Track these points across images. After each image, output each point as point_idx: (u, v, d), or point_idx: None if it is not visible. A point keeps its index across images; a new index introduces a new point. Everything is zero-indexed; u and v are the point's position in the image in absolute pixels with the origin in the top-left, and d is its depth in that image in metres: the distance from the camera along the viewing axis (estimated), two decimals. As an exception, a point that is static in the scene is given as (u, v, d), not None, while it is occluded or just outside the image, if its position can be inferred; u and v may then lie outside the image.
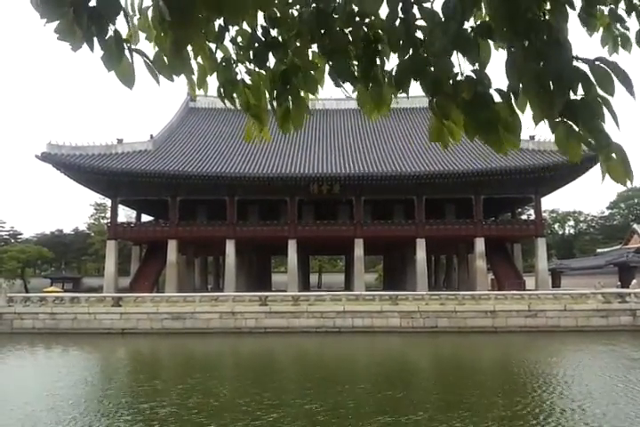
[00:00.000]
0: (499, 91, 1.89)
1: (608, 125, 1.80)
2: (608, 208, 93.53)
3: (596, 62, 1.76)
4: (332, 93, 42.37)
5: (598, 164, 1.84)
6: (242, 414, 11.67)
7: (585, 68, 1.76)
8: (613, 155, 1.79)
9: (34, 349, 24.61)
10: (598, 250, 70.38)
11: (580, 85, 1.75)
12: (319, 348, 25.43)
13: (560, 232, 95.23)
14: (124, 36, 1.93)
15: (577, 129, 1.79)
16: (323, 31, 2.07)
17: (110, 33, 1.86)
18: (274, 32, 2.20)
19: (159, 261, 43.43)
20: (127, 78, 1.96)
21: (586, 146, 1.81)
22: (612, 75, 1.76)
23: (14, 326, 30.33)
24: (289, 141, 46.57)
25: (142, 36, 2.10)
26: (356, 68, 2.15)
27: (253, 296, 32.10)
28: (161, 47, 2.03)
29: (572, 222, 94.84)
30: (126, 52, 1.92)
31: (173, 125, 50.65)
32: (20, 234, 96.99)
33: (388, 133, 48.37)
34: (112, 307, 30.88)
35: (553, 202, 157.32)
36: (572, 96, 1.76)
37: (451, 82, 1.92)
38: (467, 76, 1.90)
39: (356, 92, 2.21)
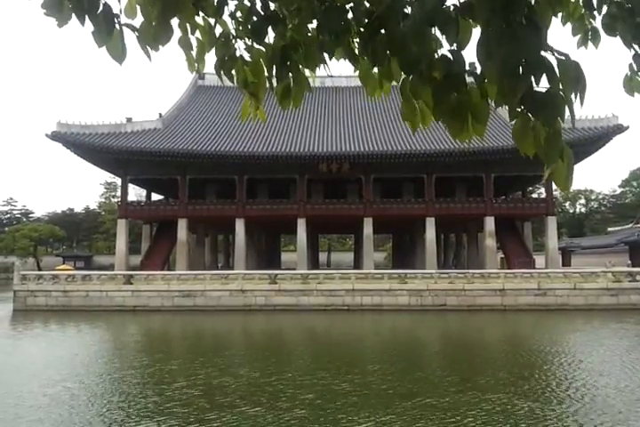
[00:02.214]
0: (473, 74, 1.83)
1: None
2: (620, 186, 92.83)
3: (563, 58, 1.71)
4: (343, 71, 42.02)
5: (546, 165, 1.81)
6: (275, 395, 11.37)
7: (552, 60, 1.71)
8: (561, 158, 1.76)
9: (52, 326, 24.85)
10: (609, 229, 70.04)
11: (544, 78, 1.71)
12: (332, 326, 25.47)
13: (571, 211, 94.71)
14: (115, 11, 1.91)
15: (533, 124, 1.75)
16: (323, 6, 2.01)
17: (101, 7, 1.83)
18: (273, 6, 2.15)
19: (169, 240, 43.71)
20: (117, 54, 1.94)
21: (535, 145, 1.77)
22: (574, 74, 1.71)
23: (27, 303, 30.79)
24: (298, 120, 46.31)
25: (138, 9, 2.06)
26: (356, 45, 2.10)
27: (263, 274, 32.33)
28: (147, 17, 1.99)
29: (582, 201, 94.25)
30: (116, 26, 1.89)
31: (182, 104, 50.45)
32: (32, 213, 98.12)
33: (398, 111, 47.89)
34: (123, 285, 31.22)
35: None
36: (537, 88, 1.71)
37: (428, 61, 1.86)
38: (442, 55, 1.84)
39: (359, 71, 2.16)
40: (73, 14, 1.86)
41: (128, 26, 1.94)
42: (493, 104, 1.84)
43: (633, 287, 30.00)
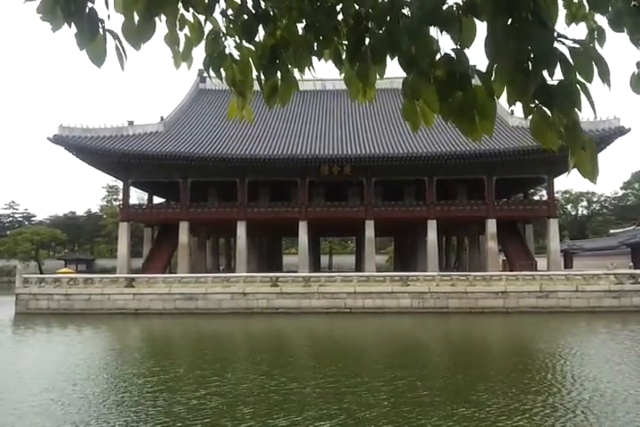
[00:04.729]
0: (478, 72, 1.82)
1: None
2: (622, 188, 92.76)
3: (577, 45, 1.69)
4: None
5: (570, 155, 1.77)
6: (301, 403, 10.96)
7: (565, 50, 1.69)
8: (584, 149, 1.73)
9: (56, 330, 24.66)
10: (611, 231, 69.88)
11: (558, 69, 1.69)
12: (339, 329, 25.10)
13: (573, 213, 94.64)
14: (100, 16, 1.92)
15: (550, 117, 1.73)
16: (314, 6, 2.02)
17: (87, 11, 1.85)
18: (264, 4, 2.15)
19: (171, 243, 43.70)
20: (98, 57, 1.96)
21: (558, 136, 1.74)
22: (592, 61, 1.69)
23: (30, 306, 30.79)
24: (300, 123, 46.37)
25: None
26: (344, 47, 2.10)
27: (264, 277, 32.31)
28: (129, 15, 2.00)
29: (584, 203, 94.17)
30: (100, 31, 1.91)
31: (184, 107, 50.54)
32: (34, 216, 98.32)
33: (399, 114, 47.95)
34: (125, 288, 31.22)
35: (566, 182, 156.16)
36: (550, 81, 1.70)
37: (429, 60, 1.85)
38: (445, 53, 1.84)
39: (344, 73, 2.16)
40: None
41: (111, 32, 1.96)
42: (506, 102, 1.82)
43: (635, 289, 29.92)
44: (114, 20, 2.05)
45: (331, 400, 11.17)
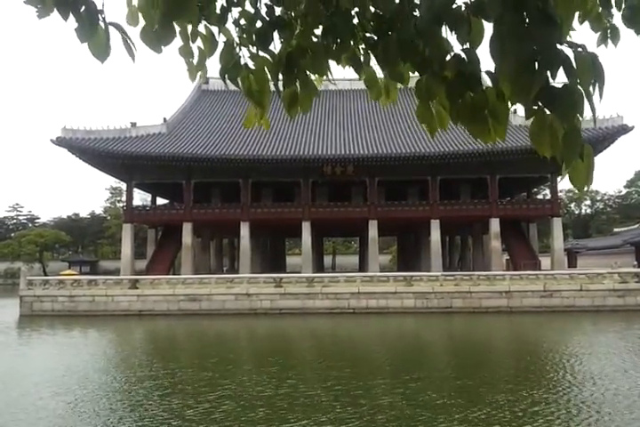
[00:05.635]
0: (488, 73, 1.78)
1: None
2: (625, 187, 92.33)
3: (580, 50, 1.65)
4: (345, 74, 41.81)
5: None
6: (313, 407, 10.80)
7: (569, 53, 1.65)
8: (581, 158, 1.68)
9: (61, 332, 24.61)
10: (615, 229, 69.69)
11: (561, 72, 1.65)
12: (344, 330, 24.96)
13: (576, 212, 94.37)
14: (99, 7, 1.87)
15: (550, 122, 1.68)
16: (329, 11, 2.00)
17: (84, 4, 1.80)
18: (278, 11, 2.13)
19: (175, 244, 43.74)
20: (100, 51, 1.90)
21: (552, 144, 1.69)
22: (594, 70, 1.65)
23: (34, 308, 30.86)
24: (302, 123, 46.32)
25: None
26: (362, 51, 2.08)
27: (268, 278, 32.31)
28: (148, 19, 1.95)
29: (588, 202, 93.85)
30: (101, 24, 1.85)
31: (186, 108, 50.56)
32: (38, 218, 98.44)
33: (402, 113, 47.92)
34: (129, 289, 31.27)
35: (569, 181, 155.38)
36: (554, 83, 1.65)
37: (441, 60, 1.82)
38: (455, 54, 1.81)
39: (365, 75, 2.14)
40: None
41: (114, 24, 1.89)
42: (509, 101, 1.78)
43: (639, 288, 29.84)
44: (114, 12, 2.02)
45: (344, 403, 10.96)
